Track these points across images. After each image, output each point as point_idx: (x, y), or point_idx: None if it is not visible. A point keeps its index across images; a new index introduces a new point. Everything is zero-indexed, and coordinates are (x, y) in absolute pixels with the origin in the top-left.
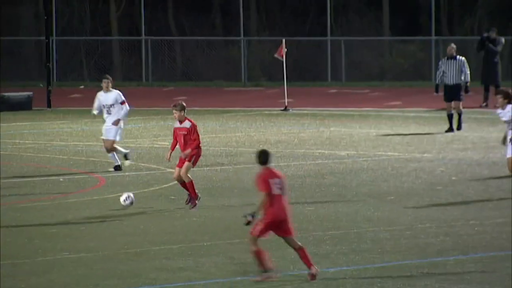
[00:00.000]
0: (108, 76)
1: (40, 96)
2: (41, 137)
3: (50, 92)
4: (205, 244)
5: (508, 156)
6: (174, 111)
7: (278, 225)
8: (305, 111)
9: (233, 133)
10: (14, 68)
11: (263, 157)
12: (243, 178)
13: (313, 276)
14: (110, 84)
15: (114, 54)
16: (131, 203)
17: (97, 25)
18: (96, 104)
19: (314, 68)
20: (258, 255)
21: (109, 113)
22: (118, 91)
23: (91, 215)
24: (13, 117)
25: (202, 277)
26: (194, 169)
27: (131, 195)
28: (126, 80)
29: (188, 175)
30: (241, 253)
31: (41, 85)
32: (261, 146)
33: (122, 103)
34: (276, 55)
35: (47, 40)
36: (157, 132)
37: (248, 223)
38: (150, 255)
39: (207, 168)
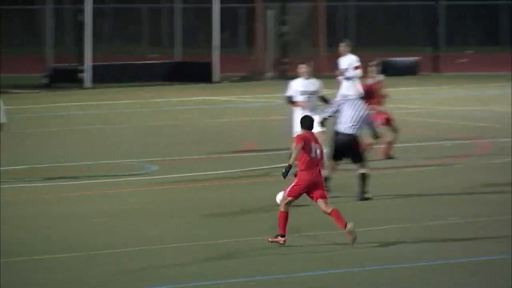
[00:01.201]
0: None
1: (426, 61)
2: (428, 102)
3: (438, 57)
4: None
5: None
6: None
7: (311, 188)
8: None
9: None
10: (401, 33)
11: (307, 122)
12: None
13: (350, 233)
14: None
15: None
16: None
17: None
18: None
19: None
20: (282, 216)
21: None
22: None
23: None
24: (400, 82)
25: None
26: None
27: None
28: None
29: None
30: None
31: (428, 50)
32: None
33: None
34: None
35: (436, 4)
36: None
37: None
38: None
39: None
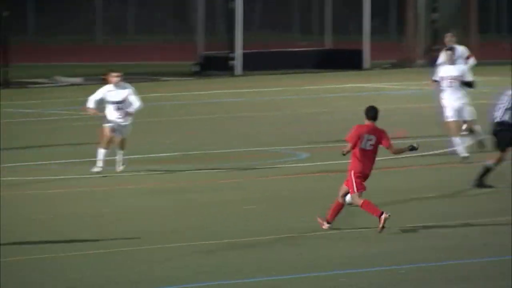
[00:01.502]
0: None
1: None
2: None
3: None
4: None
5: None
6: None
7: (363, 178)
8: None
9: None
10: None
11: (371, 112)
12: None
13: (384, 221)
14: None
15: None
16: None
17: None
18: None
19: None
20: (338, 206)
21: None
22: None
23: None
24: None
25: None
26: None
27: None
28: None
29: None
30: None
31: None
32: None
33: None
34: None
35: None
36: None
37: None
38: None
39: None
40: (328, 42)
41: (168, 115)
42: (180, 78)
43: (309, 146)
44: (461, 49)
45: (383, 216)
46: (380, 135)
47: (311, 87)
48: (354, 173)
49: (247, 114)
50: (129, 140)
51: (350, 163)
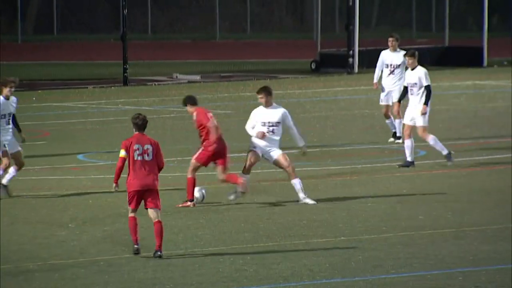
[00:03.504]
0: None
1: None
2: None
3: None
4: None
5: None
6: None
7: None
8: None
9: None
10: None
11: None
12: None
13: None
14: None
15: None
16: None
17: None
18: None
19: None
20: (190, 182)
21: None
22: None
23: None
24: None
25: None
26: None
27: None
28: None
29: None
30: None
31: None
32: None
33: None
34: None
35: None
36: None
37: None
38: None
39: None
40: (447, 39)
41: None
42: (297, 76)
43: (427, 143)
44: None
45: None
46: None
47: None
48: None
49: (363, 111)
50: (241, 136)
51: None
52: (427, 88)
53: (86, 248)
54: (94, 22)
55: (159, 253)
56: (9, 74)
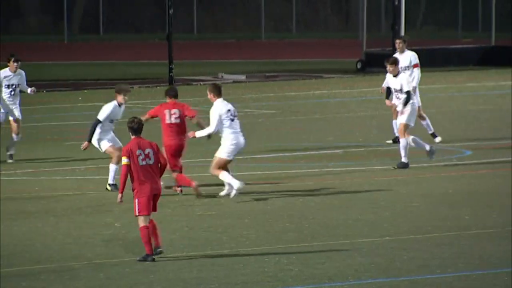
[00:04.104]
0: None
1: None
2: None
3: None
4: None
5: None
6: None
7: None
8: None
9: None
10: None
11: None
12: None
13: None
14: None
15: None
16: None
17: None
18: None
19: None
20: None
21: None
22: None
23: None
24: None
25: None
26: None
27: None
28: None
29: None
30: None
31: None
32: None
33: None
34: None
35: None
36: None
37: None
38: None
39: None
40: (493, 39)
41: (331, 112)
42: (342, 76)
43: (473, 143)
44: None
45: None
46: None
47: (475, 84)
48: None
49: None
50: (291, 136)
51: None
52: (407, 93)
53: (131, 247)
54: (139, 22)
55: (160, 249)
56: (55, 74)
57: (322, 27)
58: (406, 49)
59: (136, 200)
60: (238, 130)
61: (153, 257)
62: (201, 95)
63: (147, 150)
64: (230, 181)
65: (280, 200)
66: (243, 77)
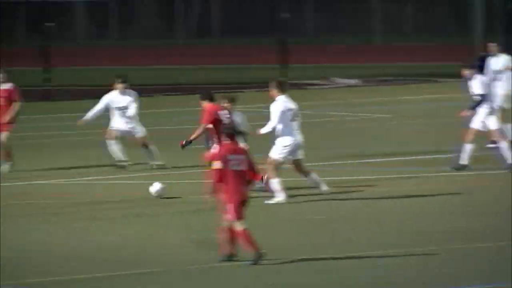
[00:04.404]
0: None
1: None
2: None
3: None
4: None
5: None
6: None
7: None
8: None
9: None
10: None
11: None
12: None
13: None
14: None
15: None
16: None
17: None
18: None
19: None
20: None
21: None
22: None
23: None
24: None
25: None
26: None
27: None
28: None
29: None
30: None
31: None
32: None
33: None
34: None
35: None
36: None
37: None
38: None
39: None
40: None
41: (445, 116)
42: (457, 80)
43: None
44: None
45: None
46: None
47: None
48: None
49: None
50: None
51: None
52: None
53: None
54: (252, 26)
55: (234, 256)
56: (170, 78)
57: (438, 31)
58: (498, 53)
59: (231, 206)
60: (296, 131)
61: (261, 252)
62: (312, 99)
63: (240, 156)
64: (277, 190)
65: (388, 201)
66: (357, 81)
